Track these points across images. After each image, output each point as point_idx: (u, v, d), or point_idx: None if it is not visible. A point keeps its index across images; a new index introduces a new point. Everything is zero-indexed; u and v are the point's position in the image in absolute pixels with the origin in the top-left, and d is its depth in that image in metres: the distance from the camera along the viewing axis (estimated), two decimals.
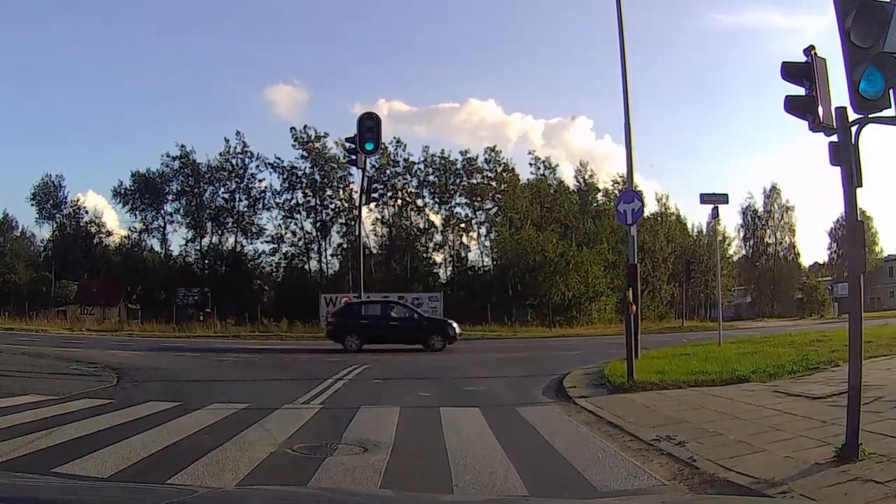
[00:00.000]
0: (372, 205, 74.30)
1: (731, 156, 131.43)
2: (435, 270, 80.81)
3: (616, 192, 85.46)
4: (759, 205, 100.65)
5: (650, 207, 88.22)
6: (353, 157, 35.00)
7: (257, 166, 79.15)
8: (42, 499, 3.14)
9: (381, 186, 77.43)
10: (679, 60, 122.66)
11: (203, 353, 29.91)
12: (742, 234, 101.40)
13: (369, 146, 32.31)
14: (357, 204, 53.83)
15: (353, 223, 73.11)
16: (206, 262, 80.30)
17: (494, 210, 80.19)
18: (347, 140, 34.88)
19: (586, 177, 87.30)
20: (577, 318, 66.27)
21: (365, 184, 39.72)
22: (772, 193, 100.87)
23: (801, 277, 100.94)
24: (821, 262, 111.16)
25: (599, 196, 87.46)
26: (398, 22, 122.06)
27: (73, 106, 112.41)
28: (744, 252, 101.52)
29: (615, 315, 72.73)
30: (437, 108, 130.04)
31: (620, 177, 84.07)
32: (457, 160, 79.91)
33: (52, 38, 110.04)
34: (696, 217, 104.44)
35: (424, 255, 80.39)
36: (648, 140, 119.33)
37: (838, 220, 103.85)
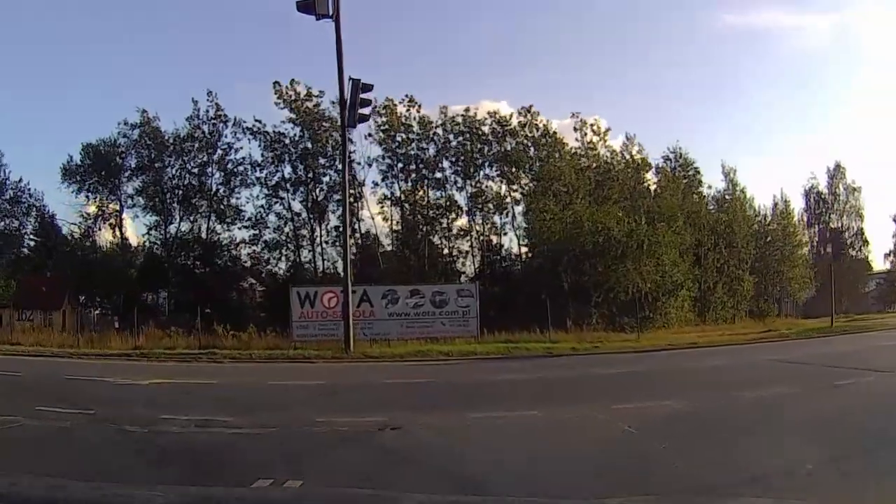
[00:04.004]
0: (377, 175, 62.92)
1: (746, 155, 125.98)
2: (460, 260, 65.92)
3: (669, 168, 71.51)
4: (822, 186, 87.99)
5: (717, 184, 74.51)
6: None
7: (234, 133, 64.06)
8: (42, 499, 3.58)
9: (390, 156, 63.11)
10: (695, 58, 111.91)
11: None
12: (806, 220, 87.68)
13: None
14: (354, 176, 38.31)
15: (354, 203, 57.25)
16: (172, 253, 65.04)
17: (533, 184, 63.72)
18: None
19: (633, 151, 69.85)
20: (653, 318, 49.57)
21: (349, 91, 23.72)
22: (836, 173, 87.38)
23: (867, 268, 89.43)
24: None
25: (650, 175, 71.00)
26: (406, 22, 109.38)
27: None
28: (807, 238, 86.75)
29: (694, 314, 58.28)
30: (447, 109, 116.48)
31: (672, 151, 71.84)
32: (485, 119, 64.51)
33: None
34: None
35: (446, 240, 65.69)
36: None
37: None
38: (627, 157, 69.42)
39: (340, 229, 57.53)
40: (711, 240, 65.19)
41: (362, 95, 27.97)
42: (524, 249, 65.54)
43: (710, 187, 72.74)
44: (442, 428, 11.93)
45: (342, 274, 34.98)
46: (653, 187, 69.45)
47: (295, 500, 4.37)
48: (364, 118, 29.64)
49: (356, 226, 61.32)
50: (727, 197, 72.94)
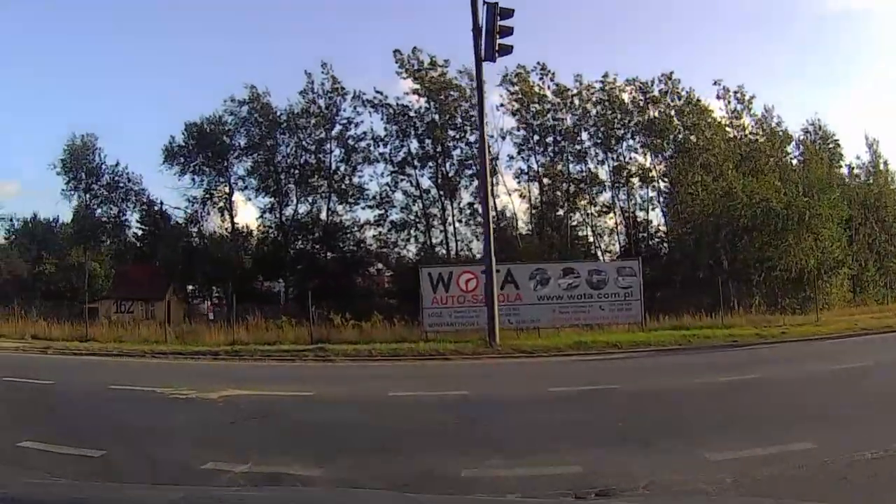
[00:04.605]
0: (512, 149, 57.85)
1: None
2: (604, 238, 61.75)
3: (810, 141, 64.73)
4: None
5: (864, 156, 68.24)
6: None
7: (354, 107, 59.57)
8: (42, 499, 3.53)
9: (525, 127, 58.17)
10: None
11: None
12: None
13: None
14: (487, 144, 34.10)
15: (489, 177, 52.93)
16: (290, 237, 61.32)
17: (679, 156, 58.38)
18: None
19: (773, 124, 63.06)
20: (813, 298, 42.89)
21: (484, 17, 19.00)
22: None
23: None
24: None
25: (790, 148, 64.03)
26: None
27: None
28: None
29: (853, 295, 52.91)
30: (581, 78, 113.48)
31: (811, 123, 65.72)
32: (624, 87, 59.25)
33: None
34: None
35: (588, 217, 60.73)
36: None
37: None
38: (767, 128, 63.56)
39: (474, 206, 53.31)
40: (862, 214, 59.17)
41: (502, 22, 22.64)
42: (671, 226, 60.35)
43: (857, 157, 67.41)
44: (683, 490, 6.43)
45: (479, 255, 29.99)
46: (794, 161, 63.45)
47: (299, 500, 4.22)
48: (505, 50, 23.74)
49: (492, 202, 56.54)
50: (871, 169, 67.01)
